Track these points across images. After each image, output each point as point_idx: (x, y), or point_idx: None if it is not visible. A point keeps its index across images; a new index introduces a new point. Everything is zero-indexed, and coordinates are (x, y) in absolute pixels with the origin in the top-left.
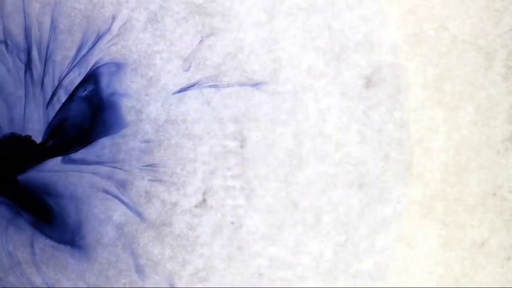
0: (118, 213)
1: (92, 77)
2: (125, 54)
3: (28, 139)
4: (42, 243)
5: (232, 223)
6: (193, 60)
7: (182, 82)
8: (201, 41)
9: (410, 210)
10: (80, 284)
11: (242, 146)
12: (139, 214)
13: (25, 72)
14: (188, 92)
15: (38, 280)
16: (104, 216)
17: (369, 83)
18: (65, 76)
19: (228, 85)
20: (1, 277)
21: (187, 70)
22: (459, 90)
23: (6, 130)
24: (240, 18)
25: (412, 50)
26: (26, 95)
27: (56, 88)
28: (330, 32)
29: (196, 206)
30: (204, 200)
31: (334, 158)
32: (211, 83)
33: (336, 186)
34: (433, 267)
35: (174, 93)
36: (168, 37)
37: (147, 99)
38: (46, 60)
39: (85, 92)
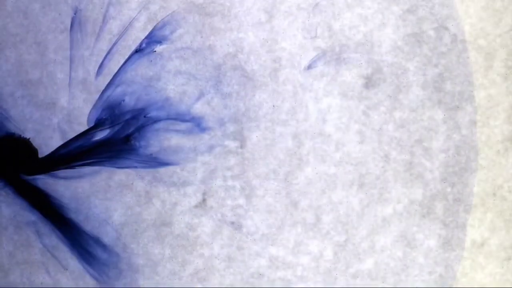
0: (118, 213)
1: (173, 23)
2: (125, 54)
3: (25, 141)
4: (42, 243)
5: (232, 223)
6: (317, 26)
7: (309, 54)
8: (316, 4)
9: (410, 210)
10: (80, 284)
11: (242, 146)
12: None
13: (73, 24)
14: (189, 92)
15: (38, 280)
16: (104, 216)
17: (369, 83)
18: (133, 20)
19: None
20: (1, 277)
21: (314, 37)
22: (459, 90)
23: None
24: (240, 18)
25: (412, 50)
26: (71, 51)
27: (115, 43)
28: (330, 32)
29: (196, 206)
30: (204, 200)
31: (334, 158)
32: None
33: (336, 186)
34: (433, 267)
35: (305, 70)
36: (168, 37)
37: (147, 99)
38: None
39: (158, 48)
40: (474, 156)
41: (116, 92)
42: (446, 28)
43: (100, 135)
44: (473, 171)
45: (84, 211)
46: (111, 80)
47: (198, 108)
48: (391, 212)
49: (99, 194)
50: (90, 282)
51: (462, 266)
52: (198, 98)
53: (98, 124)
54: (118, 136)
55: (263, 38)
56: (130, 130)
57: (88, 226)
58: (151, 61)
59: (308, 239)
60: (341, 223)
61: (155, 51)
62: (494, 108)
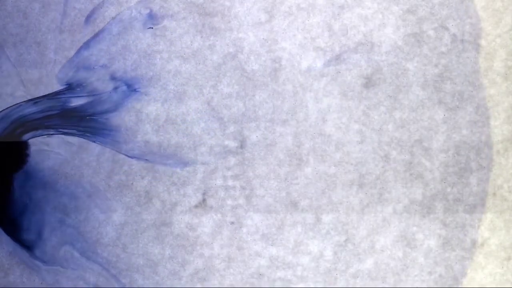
0: (118, 213)
1: None
2: (125, 54)
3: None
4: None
5: (232, 223)
6: (348, 26)
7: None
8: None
9: (410, 210)
10: (80, 284)
11: (242, 146)
12: None
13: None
14: (188, 92)
15: (38, 280)
16: (104, 216)
17: (369, 83)
18: None
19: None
20: (1, 277)
21: (345, 35)
22: (459, 90)
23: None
24: (240, 18)
25: (412, 50)
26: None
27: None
28: (330, 32)
29: (196, 206)
30: (204, 200)
31: (334, 158)
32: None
33: (336, 186)
34: (433, 267)
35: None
36: (168, 37)
37: (147, 99)
38: None
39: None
40: (474, 156)
41: (99, 51)
42: (446, 28)
43: (75, 102)
44: (473, 171)
45: (84, 211)
46: (94, 36)
47: (198, 108)
48: (391, 212)
49: (99, 194)
50: (90, 282)
51: (462, 266)
52: (198, 98)
53: (70, 89)
54: (85, 110)
55: (263, 38)
56: (106, 107)
57: (88, 226)
58: (149, 29)
59: (308, 239)
60: (341, 223)
61: (151, 28)
62: (494, 108)
